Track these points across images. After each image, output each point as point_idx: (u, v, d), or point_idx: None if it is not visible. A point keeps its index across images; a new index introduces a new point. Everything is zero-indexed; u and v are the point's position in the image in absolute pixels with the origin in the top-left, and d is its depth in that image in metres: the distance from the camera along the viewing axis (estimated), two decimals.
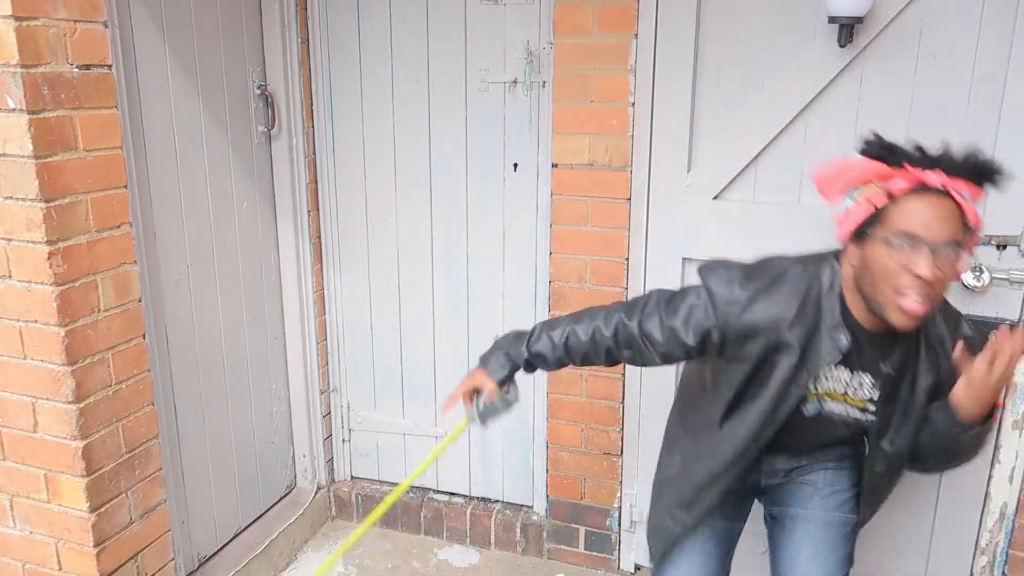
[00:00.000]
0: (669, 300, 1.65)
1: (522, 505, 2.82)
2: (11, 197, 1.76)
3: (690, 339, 1.60)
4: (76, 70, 1.79)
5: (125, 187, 1.95)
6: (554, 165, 2.37)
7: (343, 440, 2.99)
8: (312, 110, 2.67)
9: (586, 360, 1.76)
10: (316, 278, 2.80)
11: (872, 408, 1.61)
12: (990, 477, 2.16)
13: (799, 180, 2.19)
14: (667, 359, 1.68)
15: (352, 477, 3.03)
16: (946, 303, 1.61)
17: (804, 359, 1.54)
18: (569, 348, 1.74)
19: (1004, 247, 2.01)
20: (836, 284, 1.54)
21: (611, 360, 1.74)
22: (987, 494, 2.17)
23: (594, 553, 2.69)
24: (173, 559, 2.24)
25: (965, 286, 2.04)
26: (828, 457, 1.81)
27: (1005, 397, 2.07)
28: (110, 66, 1.87)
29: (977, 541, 2.21)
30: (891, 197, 1.41)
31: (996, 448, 2.13)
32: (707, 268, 1.64)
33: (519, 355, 1.78)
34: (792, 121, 2.15)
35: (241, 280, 2.55)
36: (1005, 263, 2.01)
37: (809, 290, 1.55)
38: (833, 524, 1.76)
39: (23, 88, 1.67)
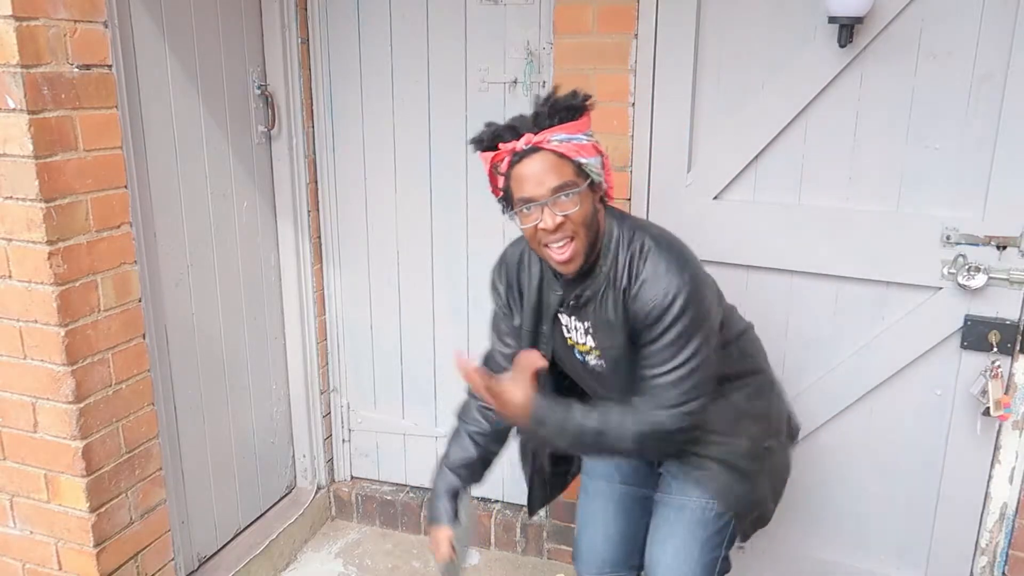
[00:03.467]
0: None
1: (522, 505, 2.82)
2: (11, 197, 1.77)
3: (500, 325, 1.81)
4: (76, 70, 1.79)
5: (125, 187, 1.95)
6: None
7: (343, 440, 2.99)
8: (312, 110, 2.67)
9: (490, 429, 1.83)
10: (316, 278, 2.80)
11: (599, 356, 1.67)
12: (990, 477, 2.16)
13: (799, 180, 2.19)
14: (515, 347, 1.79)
15: (352, 477, 3.03)
16: (641, 228, 1.63)
17: (539, 310, 1.71)
18: (465, 426, 1.84)
19: (1004, 247, 2.00)
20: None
21: (489, 440, 1.85)
22: (987, 494, 2.17)
23: None
24: (173, 559, 2.24)
25: (961, 286, 2.04)
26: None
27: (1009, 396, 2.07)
28: (110, 66, 1.87)
29: (977, 541, 2.21)
30: (504, 175, 1.56)
31: (996, 448, 2.13)
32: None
33: (446, 478, 1.82)
34: (792, 121, 2.15)
35: (241, 280, 2.54)
36: (1005, 263, 2.01)
37: (523, 254, 1.74)
38: (686, 507, 1.72)
39: (23, 88, 1.67)
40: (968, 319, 2.07)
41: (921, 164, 2.06)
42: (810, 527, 2.40)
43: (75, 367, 1.87)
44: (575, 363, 1.74)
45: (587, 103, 1.55)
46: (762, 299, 2.27)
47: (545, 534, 2.73)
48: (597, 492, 1.92)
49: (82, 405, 1.90)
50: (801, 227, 2.19)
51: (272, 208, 2.65)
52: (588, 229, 1.55)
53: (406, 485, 2.96)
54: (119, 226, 1.95)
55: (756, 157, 2.21)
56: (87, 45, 1.81)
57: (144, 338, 2.06)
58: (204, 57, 2.28)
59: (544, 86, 2.40)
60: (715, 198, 2.27)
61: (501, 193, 1.61)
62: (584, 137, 1.54)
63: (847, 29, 1.97)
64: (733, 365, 1.71)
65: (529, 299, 1.73)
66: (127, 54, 2.01)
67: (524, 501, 2.79)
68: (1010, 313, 2.04)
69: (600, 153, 1.58)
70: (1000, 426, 2.12)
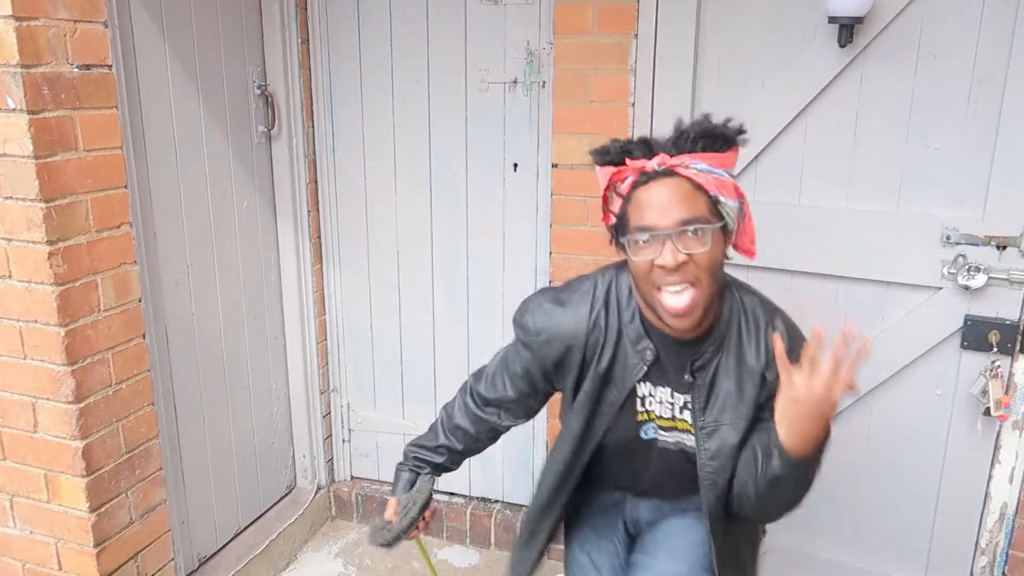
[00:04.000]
0: (504, 353, 1.64)
1: (522, 505, 2.82)
2: (11, 197, 1.76)
3: (521, 381, 1.57)
4: (76, 70, 1.79)
5: (125, 187, 1.95)
6: (554, 165, 2.37)
7: (343, 440, 2.99)
8: (312, 110, 2.67)
9: (467, 439, 1.69)
10: (316, 278, 2.80)
11: (696, 435, 1.47)
12: (990, 477, 2.16)
13: (799, 180, 2.19)
14: (525, 407, 1.63)
15: (352, 477, 3.03)
16: (756, 296, 1.48)
17: (611, 371, 1.46)
18: (443, 428, 1.71)
19: (1004, 247, 2.01)
20: (632, 295, 1.46)
21: (486, 430, 1.68)
22: (987, 494, 2.17)
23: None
24: (173, 559, 2.24)
25: (961, 286, 2.04)
26: (688, 505, 1.63)
27: (1010, 397, 2.07)
28: (110, 66, 1.87)
29: (977, 541, 2.21)
30: (624, 197, 1.36)
31: (996, 448, 2.13)
32: (520, 307, 1.57)
33: (404, 456, 1.74)
34: (792, 121, 2.15)
35: (241, 280, 2.54)
36: (1005, 263, 2.01)
37: (607, 296, 1.47)
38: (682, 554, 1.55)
39: (23, 88, 1.67)
40: (968, 319, 2.07)
41: (921, 164, 2.06)
42: (810, 527, 2.40)
43: (75, 367, 1.87)
44: (632, 441, 1.52)
45: (739, 136, 1.37)
46: None
47: None
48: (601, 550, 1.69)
49: (82, 405, 1.90)
50: (801, 227, 2.19)
51: (272, 208, 2.65)
52: (713, 278, 1.34)
53: None
54: (119, 226, 1.95)
55: (756, 157, 2.21)
56: (87, 45, 1.80)
57: (144, 338, 2.06)
58: (204, 57, 2.28)
59: (544, 86, 2.40)
60: None
61: (614, 218, 1.39)
62: (726, 174, 1.35)
63: (847, 29, 1.98)
64: None
65: (603, 359, 1.46)
66: (127, 54, 2.01)
67: (524, 501, 2.81)
68: (1010, 313, 2.04)
69: (741, 197, 1.39)
70: (1000, 426, 2.12)
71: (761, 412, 1.42)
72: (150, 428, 2.11)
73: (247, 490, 2.67)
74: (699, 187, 1.32)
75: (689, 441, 1.49)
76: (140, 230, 2.07)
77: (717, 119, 1.37)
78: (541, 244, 2.53)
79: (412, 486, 1.71)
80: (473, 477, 2.85)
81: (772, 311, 1.47)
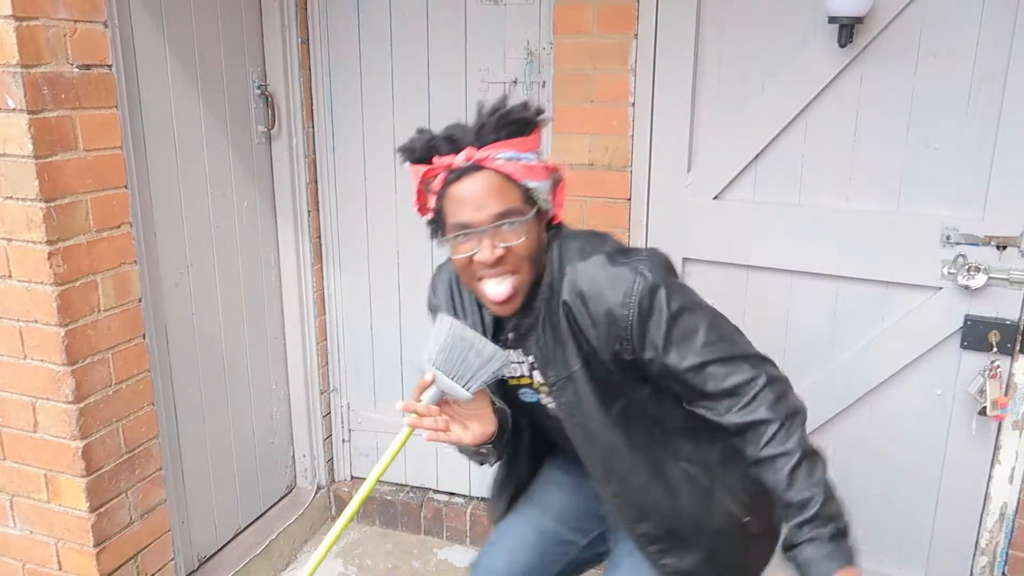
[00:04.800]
0: None
1: None
2: (11, 197, 1.76)
3: None
4: (76, 70, 1.79)
5: (125, 187, 1.95)
6: None
7: (343, 440, 2.99)
8: (312, 110, 2.67)
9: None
10: (316, 278, 2.80)
11: (555, 392, 1.44)
12: (990, 477, 2.16)
13: (799, 180, 2.19)
14: None
15: (352, 477, 3.03)
16: (578, 253, 1.41)
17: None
18: None
19: (1004, 247, 2.00)
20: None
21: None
22: (987, 494, 2.17)
23: None
24: (173, 559, 2.24)
25: (961, 286, 2.04)
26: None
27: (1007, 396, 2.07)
28: (110, 66, 1.87)
29: (977, 541, 2.21)
30: (438, 194, 1.36)
31: (996, 448, 2.13)
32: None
33: None
34: (792, 121, 2.15)
35: (241, 280, 2.54)
36: (1005, 263, 2.01)
37: (454, 275, 1.54)
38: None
39: (23, 88, 1.67)
40: (968, 319, 2.07)
41: (921, 164, 2.06)
42: None
43: (75, 367, 1.87)
44: (518, 403, 1.53)
45: (539, 118, 1.37)
46: (762, 299, 2.27)
47: None
48: (525, 516, 1.70)
49: (82, 405, 1.90)
50: (801, 227, 2.19)
51: (272, 208, 2.65)
52: (532, 263, 1.36)
53: (406, 485, 2.96)
54: (119, 226, 1.94)
55: (756, 157, 2.21)
56: (87, 45, 1.80)
57: (144, 338, 2.06)
58: (204, 57, 2.28)
59: (544, 86, 2.40)
60: (715, 198, 2.27)
61: (432, 214, 1.41)
62: (533, 156, 1.35)
63: (847, 29, 1.97)
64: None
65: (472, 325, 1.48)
66: (127, 54, 2.01)
67: None
68: (1010, 313, 2.04)
69: (551, 172, 1.39)
70: (1000, 426, 2.12)
71: (627, 369, 1.37)
72: (150, 428, 2.11)
73: (247, 490, 2.67)
74: (509, 177, 1.32)
75: (547, 401, 1.49)
76: (140, 230, 2.07)
77: (514, 102, 1.37)
78: None
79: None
80: (473, 477, 2.85)
81: (569, 242, 1.42)
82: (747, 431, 1.33)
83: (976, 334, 2.06)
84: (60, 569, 2.05)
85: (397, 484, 2.97)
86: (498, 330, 1.49)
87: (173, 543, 2.24)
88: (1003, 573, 2.20)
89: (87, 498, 1.95)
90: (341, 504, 2.98)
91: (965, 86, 1.98)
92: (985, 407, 2.05)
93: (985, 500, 2.18)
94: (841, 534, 1.35)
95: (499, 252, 1.31)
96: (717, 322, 1.37)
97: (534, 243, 1.36)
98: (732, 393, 1.33)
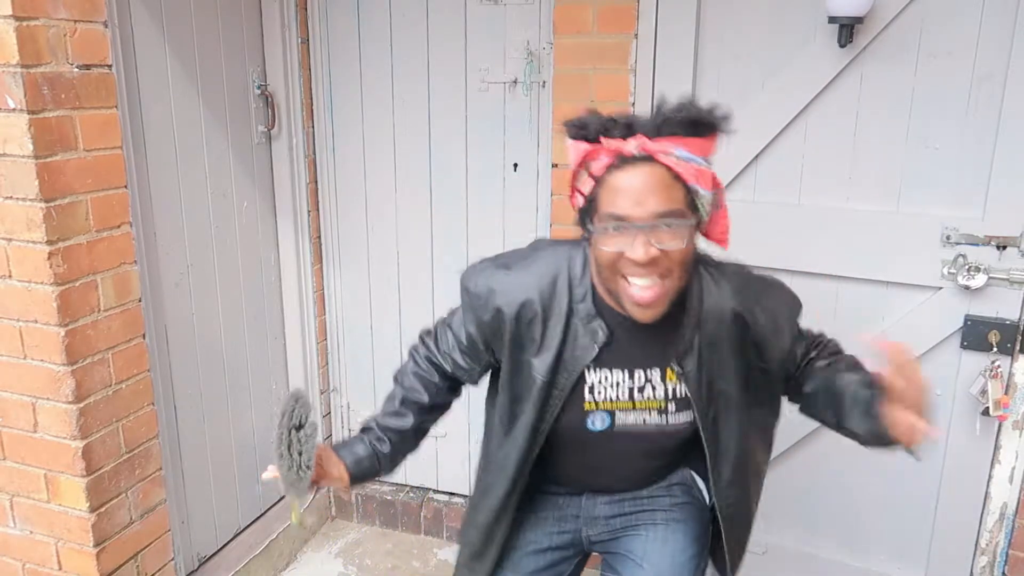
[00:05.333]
0: (451, 311, 1.56)
1: None
2: (11, 197, 1.76)
3: (464, 340, 1.49)
4: (76, 70, 1.79)
5: (125, 187, 1.95)
6: (554, 165, 2.37)
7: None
8: (312, 110, 2.67)
9: (418, 402, 1.57)
10: (316, 278, 2.80)
11: (673, 408, 1.41)
12: (990, 477, 2.16)
13: (799, 180, 2.19)
14: (467, 369, 1.54)
15: None
16: (720, 270, 1.42)
17: (561, 352, 1.36)
18: (395, 395, 1.60)
19: (1004, 247, 2.01)
20: (587, 272, 1.37)
21: (442, 383, 1.57)
22: (987, 494, 2.17)
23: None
24: (173, 559, 2.24)
25: (961, 286, 2.04)
26: (656, 505, 1.57)
27: (1008, 395, 2.07)
28: (110, 66, 1.87)
29: (977, 541, 2.21)
30: (596, 179, 1.26)
31: (996, 448, 2.13)
32: (467, 268, 1.50)
33: (370, 436, 1.60)
34: (792, 121, 2.15)
35: (241, 280, 2.54)
36: (1005, 263, 2.01)
37: (558, 273, 1.38)
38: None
39: (23, 88, 1.67)
40: (968, 319, 2.07)
41: (921, 164, 2.06)
42: (810, 527, 2.40)
43: (75, 367, 1.87)
44: (580, 433, 1.43)
45: (723, 122, 1.28)
46: None
47: None
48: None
49: (82, 405, 1.90)
50: (801, 227, 2.19)
51: (272, 208, 2.65)
52: (684, 271, 1.28)
53: (406, 485, 2.96)
54: (119, 226, 1.94)
55: (756, 157, 2.21)
56: (87, 45, 1.80)
57: (144, 338, 2.06)
58: (204, 57, 2.28)
59: (544, 86, 2.40)
60: None
61: (582, 199, 1.30)
62: (705, 162, 1.26)
63: (847, 29, 1.98)
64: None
65: (548, 338, 1.37)
66: (127, 54, 2.01)
67: None
68: (1010, 313, 2.04)
69: (718, 187, 1.30)
70: (1000, 426, 2.12)
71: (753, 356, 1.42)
72: (150, 428, 2.11)
73: (247, 490, 2.67)
74: (677, 177, 1.23)
75: (654, 418, 1.42)
76: (140, 230, 2.07)
77: (703, 103, 1.29)
78: None
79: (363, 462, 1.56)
80: (473, 477, 2.85)
81: (747, 281, 1.44)
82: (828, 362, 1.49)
83: (976, 334, 2.06)
84: (60, 569, 2.05)
85: (397, 484, 2.97)
86: (606, 347, 1.37)
87: (173, 543, 2.24)
88: (1003, 573, 2.20)
89: (87, 498, 1.95)
90: (341, 504, 2.99)
91: (965, 86, 1.98)
92: (988, 407, 2.05)
93: (985, 500, 2.18)
94: None
95: (653, 253, 1.21)
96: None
97: (690, 251, 1.28)
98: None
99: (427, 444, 2.84)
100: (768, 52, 2.14)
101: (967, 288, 2.04)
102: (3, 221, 1.79)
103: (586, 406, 1.41)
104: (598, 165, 1.25)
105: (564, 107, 2.31)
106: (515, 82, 2.44)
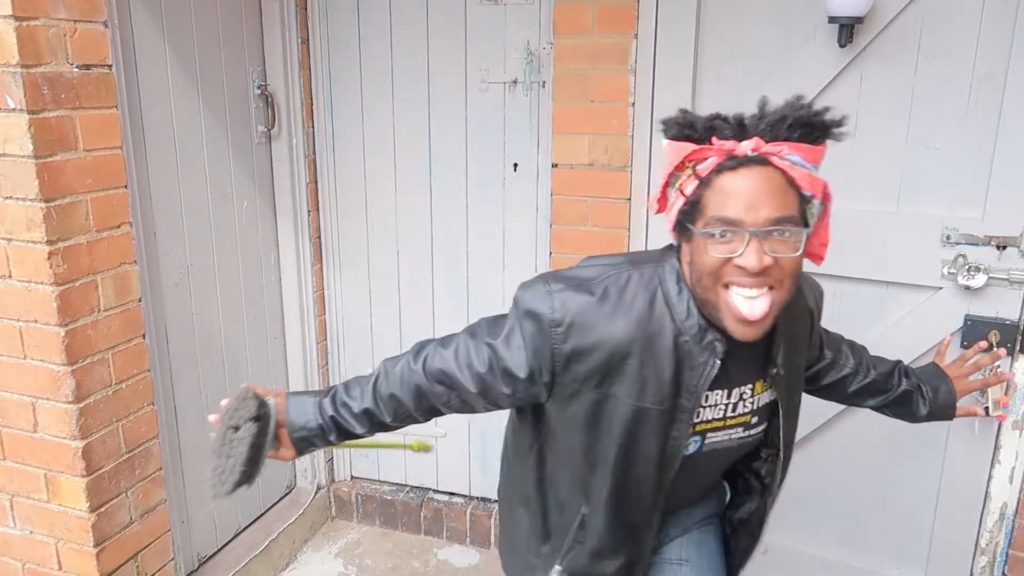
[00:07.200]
0: (494, 322, 1.36)
1: None
2: (11, 197, 1.76)
3: (518, 370, 1.28)
4: (76, 70, 1.79)
5: (125, 187, 1.95)
6: (554, 165, 2.37)
7: None
8: (312, 110, 2.67)
9: (399, 409, 1.37)
10: (316, 278, 2.80)
11: (755, 420, 1.35)
12: (990, 477, 2.16)
13: None
14: (487, 397, 1.34)
15: (352, 477, 3.03)
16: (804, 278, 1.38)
17: (679, 377, 1.24)
18: (377, 391, 1.38)
19: (1004, 247, 2.00)
20: (683, 287, 1.26)
21: (424, 404, 1.37)
22: (987, 494, 2.17)
23: None
24: (173, 559, 2.24)
25: (961, 286, 2.04)
26: (692, 519, 1.53)
27: (1008, 396, 2.07)
28: (110, 66, 1.87)
29: (977, 541, 2.21)
30: (702, 180, 1.17)
31: (996, 448, 2.13)
32: (524, 285, 1.32)
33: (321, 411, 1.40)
34: None
35: (241, 280, 2.54)
36: (1005, 263, 2.01)
37: (654, 296, 1.26)
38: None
39: (23, 88, 1.67)
40: (968, 319, 2.07)
41: (921, 164, 2.06)
42: (810, 527, 2.40)
43: (75, 367, 1.87)
44: (674, 455, 1.32)
45: (838, 129, 1.19)
46: None
47: None
48: None
49: (82, 405, 1.90)
50: None
51: (272, 208, 2.65)
52: (794, 283, 1.20)
53: (406, 485, 2.96)
54: (119, 226, 1.94)
55: None
56: (87, 45, 1.80)
57: (144, 338, 2.06)
58: (204, 57, 2.28)
59: (544, 86, 2.40)
60: None
61: (685, 201, 1.19)
62: (815, 169, 1.18)
63: (847, 29, 1.98)
64: None
65: (661, 366, 1.24)
66: (127, 54, 2.01)
67: None
68: (1010, 313, 2.04)
69: (827, 198, 1.22)
70: (1000, 426, 2.12)
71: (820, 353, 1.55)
72: (150, 428, 2.11)
73: (247, 490, 2.66)
74: (791, 182, 1.15)
75: (738, 433, 1.35)
76: (140, 230, 2.07)
77: (810, 107, 1.19)
78: (541, 244, 2.53)
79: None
80: (473, 477, 2.85)
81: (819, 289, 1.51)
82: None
83: (976, 334, 2.06)
84: (60, 569, 2.05)
85: (397, 484, 2.97)
86: (721, 378, 1.27)
87: (173, 543, 2.24)
88: (1003, 573, 2.20)
89: (87, 498, 1.95)
90: (341, 504, 2.99)
91: (965, 86, 1.98)
92: (987, 407, 2.05)
93: (985, 500, 2.18)
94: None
95: (767, 261, 1.13)
96: None
97: (800, 262, 1.20)
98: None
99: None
100: (768, 52, 2.14)
101: (967, 288, 2.04)
102: (3, 221, 1.79)
103: (695, 429, 1.32)
104: (705, 165, 1.17)
105: (564, 107, 2.31)
106: (515, 82, 2.44)
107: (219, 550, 2.56)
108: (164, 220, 2.20)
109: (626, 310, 1.24)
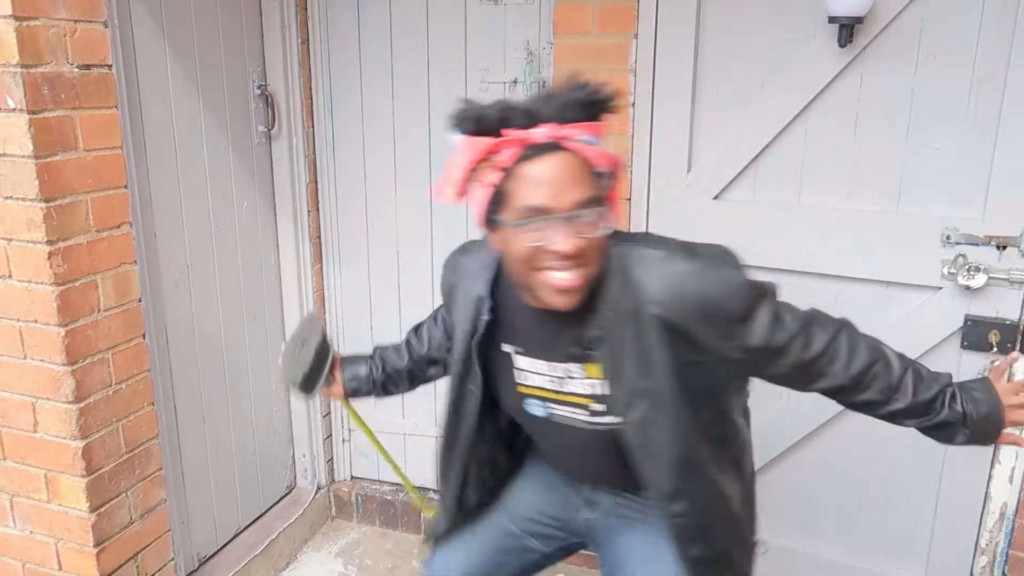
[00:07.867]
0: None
1: None
2: (11, 197, 1.77)
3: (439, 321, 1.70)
4: (76, 70, 1.79)
5: (125, 187, 1.95)
6: None
7: (343, 440, 2.99)
8: (312, 110, 2.67)
9: (395, 370, 1.78)
10: (316, 278, 2.80)
11: (602, 408, 1.34)
12: (990, 477, 2.16)
13: (799, 180, 2.19)
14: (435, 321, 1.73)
15: (352, 477, 3.03)
16: (637, 251, 1.30)
17: (466, 339, 1.44)
18: (385, 357, 1.79)
19: (1004, 247, 2.00)
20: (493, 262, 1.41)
21: (416, 361, 1.76)
22: (987, 494, 2.17)
23: (593, 553, 2.68)
24: (173, 559, 2.24)
25: (961, 286, 2.04)
26: (617, 509, 1.55)
27: None
28: (110, 66, 1.87)
29: (977, 541, 2.21)
30: (505, 171, 1.20)
31: (996, 448, 2.13)
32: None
33: (371, 361, 1.81)
34: (792, 121, 2.15)
35: (241, 280, 2.55)
36: (1005, 263, 2.01)
37: (484, 265, 1.43)
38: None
39: (23, 88, 1.67)
40: (968, 319, 2.07)
41: (921, 164, 2.06)
42: (810, 527, 2.40)
43: (75, 367, 1.87)
44: (523, 415, 1.46)
45: (615, 103, 1.26)
46: None
47: None
48: (488, 516, 1.69)
49: (82, 405, 1.90)
50: (801, 227, 2.19)
51: (272, 208, 2.65)
52: (602, 255, 1.25)
53: None
54: (119, 226, 1.95)
55: (756, 157, 2.21)
56: (87, 45, 1.81)
57: (144, 338, 2.06)
58: (204, 57, 2.28)
59: (544, 86, 2.40)
60: (715, 198, 2.27)
61: (491, 193, 1.23)
62: (601, 143, 1.25)
63: (847, 29, 1.97)
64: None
65: (463, 319, 1.44)
66: (127, 54, 2.01)
67: None
68: (1010, 313, 2.04)
69: (616, 165, 1.28)
70: None
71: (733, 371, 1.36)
72: (150, 428, 2.11)
73: (247, 490, 2.67)
74: (587, 162, 1.21)
75: (582, 416, 1.38)
76: (140, 230, 2.07)
77: (590, 82, 1.25)
78: None
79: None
80: None
81: (670, 255, 1.30)
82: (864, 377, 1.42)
83: (976, 334, 2.06)
84: (60, 569, 2.05)
85: (397, 484, 2.97)
86: (524, 338, 1.40)
87: (173, 543, 2.25)
88: (1003, 573, 2.20)
89: (87, 498, 1.95)
90: (341, 504, 2.99)
91: (965, 86, 1.98)
92: None
93: (985, 500, 2.18)
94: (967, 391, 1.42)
95: (580, 243, 1.18)
96: (787, 305, 1.42)
97: (606, 236, 1.24)
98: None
99: (426, 444, 2.85)
100: (768, 52, 2.14)
101: (967, 288, 2.04)
102: (3, 221, 1.80)
103: (519, 389, 1.43)
104: (506, 156, 1.20)
105: None
106: (515, 82, 2.44)
107: (219, 550, 2.56)
108: (164, 220, 2.20)
109: (474, 261, 1.47)
